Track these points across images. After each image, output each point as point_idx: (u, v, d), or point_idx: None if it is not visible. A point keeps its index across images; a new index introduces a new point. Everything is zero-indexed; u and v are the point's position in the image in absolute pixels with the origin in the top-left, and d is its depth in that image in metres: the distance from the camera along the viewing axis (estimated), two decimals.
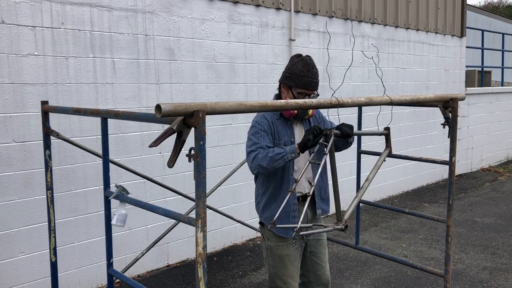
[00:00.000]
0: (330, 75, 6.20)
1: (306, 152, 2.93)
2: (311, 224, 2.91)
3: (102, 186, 3.08)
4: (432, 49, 8.29)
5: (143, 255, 4.16)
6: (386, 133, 3.64)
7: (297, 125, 3.00)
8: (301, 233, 2.66)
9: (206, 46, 5.04)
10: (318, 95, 2.91)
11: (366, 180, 3.48)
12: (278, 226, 2.75)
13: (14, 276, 3.94)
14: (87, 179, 4.28)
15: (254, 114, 2.96)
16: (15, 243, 3.92)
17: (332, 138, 2.85)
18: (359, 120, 4.65)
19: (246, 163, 4.71)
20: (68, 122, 4.13)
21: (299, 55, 2.95)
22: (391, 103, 3.66)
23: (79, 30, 4.13)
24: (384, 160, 3.58)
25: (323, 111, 3.28)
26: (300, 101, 2.38)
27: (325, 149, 2.83)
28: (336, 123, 3.07)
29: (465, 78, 9.28)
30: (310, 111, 2.97)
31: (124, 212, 3.03)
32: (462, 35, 8.98)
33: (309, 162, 2.82)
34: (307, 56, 2.93)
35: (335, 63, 6.39)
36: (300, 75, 2.84)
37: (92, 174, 4.29)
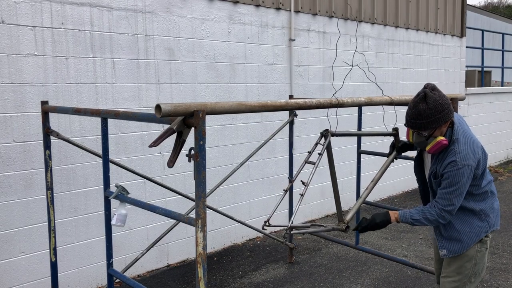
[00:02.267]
0: (330, 75, 6.20)
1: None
2: (308, 224, 2.94)
3: (102, 186, 3.09)
4: (432, 49, 8.29)
5: (143, 255, 4.16)
6: (395, 134, 3.63)
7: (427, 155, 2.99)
8: (293, 232, 2.73)
9: (206, 46, 5.04)
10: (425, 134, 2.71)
11: (372, 181, 3.48)
12: (272, 225, 2.82)
13: (14, 276, 3.94)
14: (87, 179, 4.28)
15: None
16: (15, 243, 3.92)
17: (329, 138, 2.86)
18: (359, 120, 4.66)
19: (246, 163, 4.74)
20: (68, 122, 4.13)
21: (418, 94, 2.71)
22: (392, 103, 3.67)
23: (79, 30, 4.13)
24: (393, 161, 3.57)
25: (324, 111, 3.27)
26: (300, 101, 2.39)
27: (324, 148, 2.85)
28: (336, 123, 3.07)
29: (465, 78, 9.28)
30: (428, 147, 2.75)
31: (124, 212, 3.03)
32: (462, 35, 8.98)
33: (305, 162, 2.84)
34: (423, 92, 2.67)
35: (335, 63, 6.38)
36: (407, 112, 2.73)
37: (92, 174, 4.29)
